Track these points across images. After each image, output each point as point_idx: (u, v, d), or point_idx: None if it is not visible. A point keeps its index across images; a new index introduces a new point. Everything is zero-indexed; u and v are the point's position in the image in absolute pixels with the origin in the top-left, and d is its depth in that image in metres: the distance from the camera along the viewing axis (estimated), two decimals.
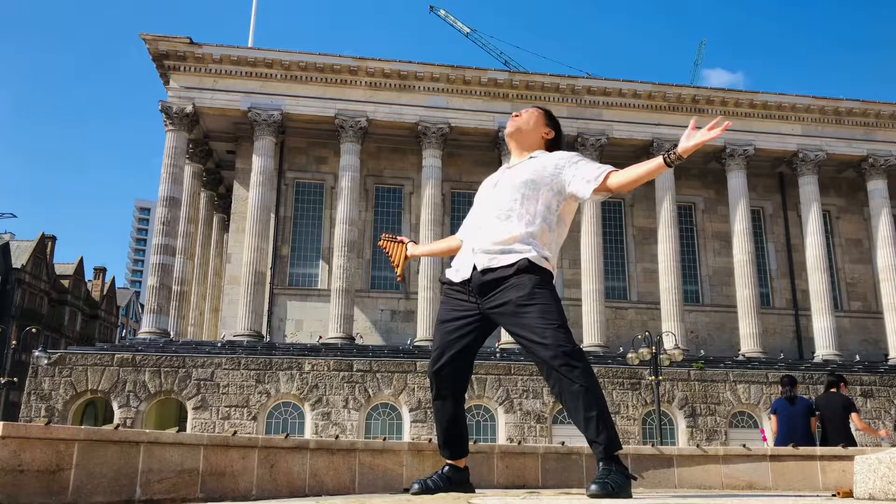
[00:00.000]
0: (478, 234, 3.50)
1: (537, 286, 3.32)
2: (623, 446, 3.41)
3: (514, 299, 3.31)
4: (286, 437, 4.51)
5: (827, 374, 10.73)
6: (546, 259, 3.40)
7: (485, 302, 3.42)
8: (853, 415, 9.77)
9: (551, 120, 3.78)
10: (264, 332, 28.66)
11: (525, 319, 3.29)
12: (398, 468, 5.13)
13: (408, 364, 25.59)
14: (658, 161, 3.27)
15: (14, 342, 37.20)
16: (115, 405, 24.14)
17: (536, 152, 3.65)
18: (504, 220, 3.43)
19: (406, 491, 3.73)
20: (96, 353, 25.56)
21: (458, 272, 3.52)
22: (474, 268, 3.44)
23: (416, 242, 3.94)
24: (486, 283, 3.39)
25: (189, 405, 24.39)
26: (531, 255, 3.36)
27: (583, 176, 3.39)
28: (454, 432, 3.56)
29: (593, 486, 3.02)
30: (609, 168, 3.40)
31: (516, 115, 3.74)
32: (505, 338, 28.13)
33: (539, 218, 3.43)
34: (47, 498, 3.08)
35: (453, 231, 30.60)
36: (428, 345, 27.76)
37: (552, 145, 3.71)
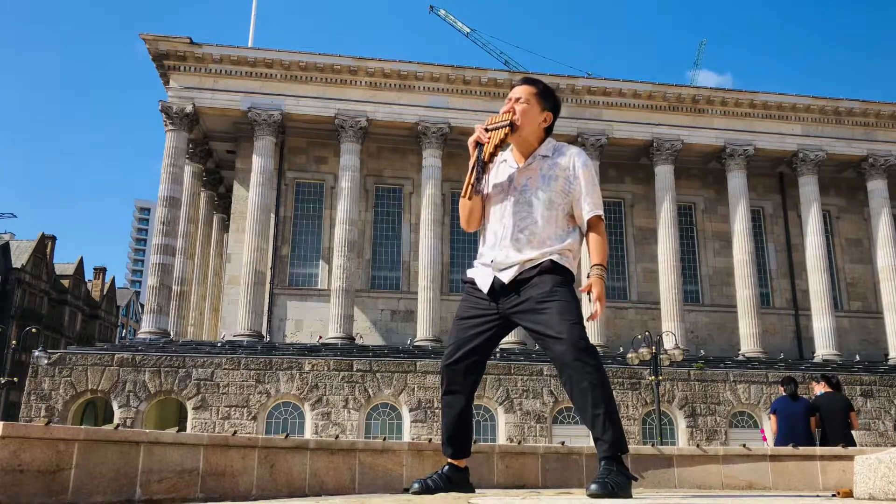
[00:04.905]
0: (496, 249, 3.46)
1: (557, 285, 3.35)
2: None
3: (535, 296, 3.34)
4: (286, 436, 4.51)
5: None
6: (568, 259, 3.44)
7: (504, 302, 3.43)
8: (852, 414, 9.85)
9: (546, 99, 3.66)
10: (264, 332, 28.66)
11: (543, 315, 3.30)
12: (398, 468, 5.13)
13: (408, 364, 25.57)
14: (596, 272, 3.40)
15: (14, 342, 37.15)
16: (115, 405, 24.14)
17: (542, 149, 3.59)
18: (526, 237, 3.42)
19: (406, 491, 3.73)
20: (96, 353, 25.57)
21: (481, 278, 3.50)
22: (495, 278, 3.44)
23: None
24: (508, 285, 3.41)
25: (189, 405, 24.40)
26: (554, 256, 3.40)
27: (582, 205, 3.49)
28: (459, 430, 3.55)
29: (593, 486, 3.01)
30: (599, 212, 3.51)
31: (511, 114, 3.54)
32: (504, 338, 28.11)
33: (561, 230, 3.46)
34: (47, 498, 3.08)
35: (453, 231, 30.20)
36: (428, 345, 27.77)
37: (552, 127, 3.68)
